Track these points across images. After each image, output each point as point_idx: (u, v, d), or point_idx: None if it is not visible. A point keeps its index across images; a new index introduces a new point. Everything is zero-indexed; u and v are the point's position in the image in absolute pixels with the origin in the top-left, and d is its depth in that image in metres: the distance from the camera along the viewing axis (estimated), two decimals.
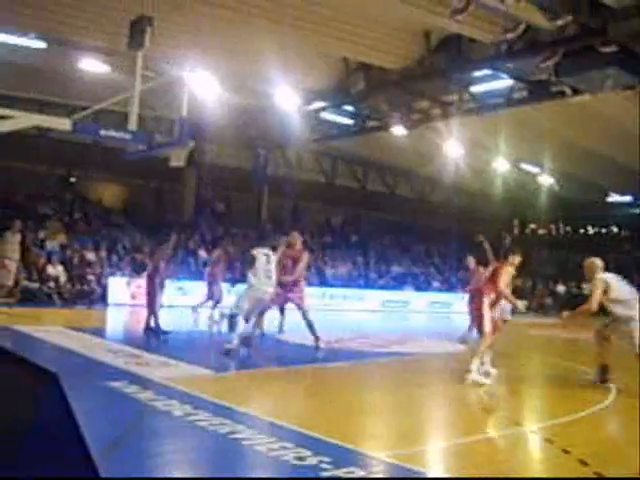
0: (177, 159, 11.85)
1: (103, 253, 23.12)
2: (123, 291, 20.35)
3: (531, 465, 5.47)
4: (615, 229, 46.20)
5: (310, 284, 21.34)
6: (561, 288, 36.23)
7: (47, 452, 1.40)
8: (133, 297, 20.25)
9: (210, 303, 15.72)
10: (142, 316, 13.17)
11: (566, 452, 5.47)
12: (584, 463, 5.13)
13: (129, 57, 11.91)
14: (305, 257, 12.09)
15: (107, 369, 8.56)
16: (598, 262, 9.71)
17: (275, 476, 4.85)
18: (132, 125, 11.00)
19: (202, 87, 19.62)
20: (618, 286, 9.34)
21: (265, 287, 10.77)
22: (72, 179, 28.64)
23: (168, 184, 30.26)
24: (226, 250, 17.41)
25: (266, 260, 10.80)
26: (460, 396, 8.64)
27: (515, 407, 8.12)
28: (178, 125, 11.21)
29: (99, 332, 13.38)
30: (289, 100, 22.10)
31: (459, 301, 30.83)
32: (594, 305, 9.04)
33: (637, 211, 43.91)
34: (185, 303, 21.08)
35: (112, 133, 11.40)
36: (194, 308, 15.76)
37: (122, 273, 22.07)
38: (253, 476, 4.88)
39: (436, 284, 33.03)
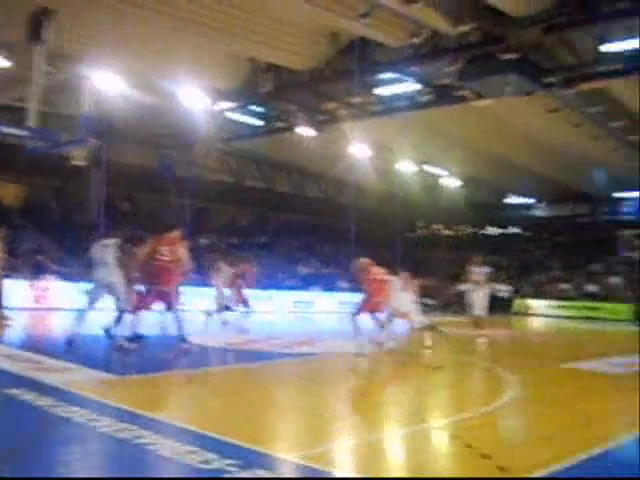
0: (79, 157, 11.54)
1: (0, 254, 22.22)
2: (24, 294, 19.62)
3: (437, 460, 5.57)
4: (515, 229, 47.75)
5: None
6: (463, 287, 37.14)
7: None
8: (36, 301, 19.58)
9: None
10: (45, 320, 12.69)
11: (469, 447, 5.60)
12: (486, 457, 5.27)
13: (30, 52, 11.51)
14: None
15: (4, 376, 8.21)
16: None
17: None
18: (32, 122, 10.64)
19: (107, 84, 19.17)
20: None
21: None
22: None
23: (71, 183, 29.39)
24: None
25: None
26: (366, 394, 8.74)
27: (422, 404, 8.26)
28: (80, 123, 10.92)
29: None
30: (196, 99, 21.85)
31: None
32: None
33: (534, 212, 45.58)
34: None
35: (11, 130, 11.00)
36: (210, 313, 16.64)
37: (23, 275, 21.29)
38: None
39: (344, 284, 33.32)
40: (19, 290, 19.86)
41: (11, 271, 21.59)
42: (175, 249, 10.96)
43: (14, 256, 22.76)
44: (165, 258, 10.83)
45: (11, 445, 5.12)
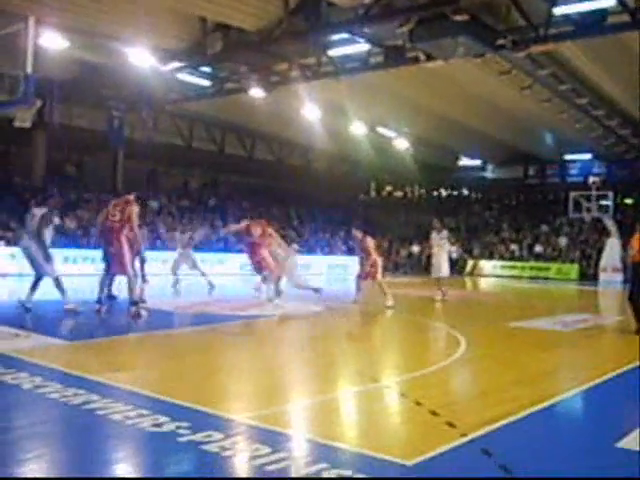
0: (22, 119, 11.20)
1: None
2: None
3: (387, 419, 5.63)
4: (466, 191, 48.24)
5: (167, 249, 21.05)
6: (415, 249, 37.57)
7: None
8: None
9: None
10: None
11: (419, 404, 5.69)
12: (435, 414, 5.36)
13: None
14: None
15: None
16: None
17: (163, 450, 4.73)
18: None
19: (50, 43, 18.63)
20: None
21: None
22: None
23: (15, 147, 28.66)
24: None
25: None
26: (317, 354, 8.79)
27: (370, 363, 8.33)
28: (23, 83, 10.56)
29: None
30: (144, 59, 21.34)
31: (317, 262, 31.46)
32: None
33: (485, 174, 46.05)
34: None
35: None
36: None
37: None
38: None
39: (295, 247, 33.29)
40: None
41: None
42: (125, 209, 10.98)
43: None
44: (115, 219, 10.85)
45: None
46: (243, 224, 14.81)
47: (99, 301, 11.22)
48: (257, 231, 14.14)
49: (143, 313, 11.00)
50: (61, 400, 5.45)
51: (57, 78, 22.45)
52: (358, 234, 15.34)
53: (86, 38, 20.53)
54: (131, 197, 11.27)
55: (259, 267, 14.23)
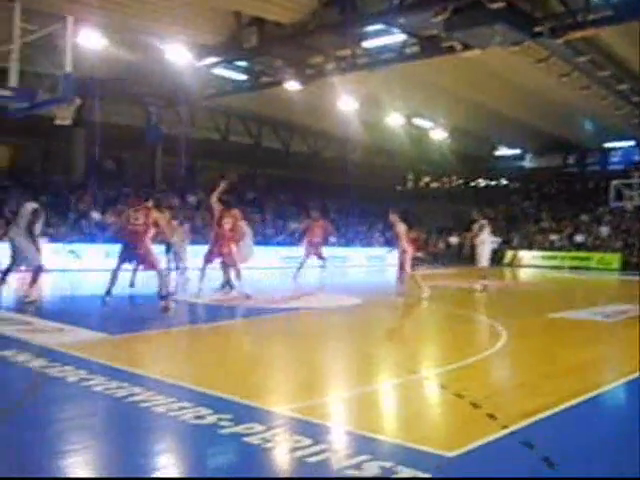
0: (63, 117, 11.37)
1: None
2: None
3: (427, 411, 5.63)
4: (504, 181, 47.76)
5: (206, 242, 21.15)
6: (454, 239, 37.33)
7: None
8: None
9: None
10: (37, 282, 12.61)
11: (459, 396, 5.67)
12: (476, 406, 5.34)
13: (8, 9, 11.25)
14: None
15: None
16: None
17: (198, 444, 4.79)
18: (13, 81, 10.48)
19: (89, 41, 18.85)
20: None
21: None
22: None
23: (56, 143, 29.07)
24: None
25: None
26: (356, 346, 8.80)
27: (409, 355, 8.32)
28: (63, 81, 10.73)
29: None
30: (180, 55, 21.50)
31: (355, 255, 31.43)
32: None
33: (523, 164, 45.54)
34: (79, 267, 20.51)
35: None
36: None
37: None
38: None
39: (332, 239, 33.32)
40: (6, 252, 19.72)
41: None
42: (148, 214, 11.30)
43: (1, 218, 22.67)
44: (138, 222, 11.18)
45: (4, 405, 5.14)
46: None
47: (108, 293, 11.34)
48: (228, 223, 13.89)
49: (172, 306, 11.15)
50: (106, 393, 5.54)
51: (95, 76, 22.71)
52: (393, 218, 14.97)
53: (123, 36, 20.75)
54: (149, 204, 11.57)
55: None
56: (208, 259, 13.86)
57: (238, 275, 13.82)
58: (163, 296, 11.11)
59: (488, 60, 21.65)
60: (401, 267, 14.54)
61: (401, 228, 14.46)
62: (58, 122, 11.45)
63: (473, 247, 17.99)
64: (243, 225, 14.63)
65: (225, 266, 14.35)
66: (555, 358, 7.98)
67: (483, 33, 17.14)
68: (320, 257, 18.79)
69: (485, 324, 11.41)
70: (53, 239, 21.58)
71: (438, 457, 4.19)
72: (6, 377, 6.29)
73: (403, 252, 14.43)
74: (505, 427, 4.78)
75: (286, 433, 4.64)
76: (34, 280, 12.04)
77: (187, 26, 19.90)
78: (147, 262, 11.32)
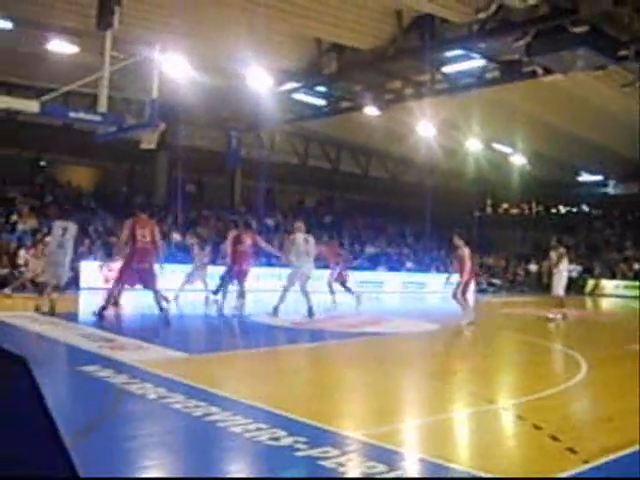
0: (148, 141, 11.75)
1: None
2: (95, 275, 20.13)
3: (503, 442, 5.53)
4: (586, 208, 46.60)
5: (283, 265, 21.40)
6: (533, 267, 36.57)
7: (16, 438, 1.39)
8: (106, 281, 20.04)
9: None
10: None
11: (538, 428, 5.54)
12: (556, 439, 5.21)
13: (98, 38, 11.73)
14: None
15: (80, 353, 8.50)
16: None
17: (258, 460, 4.85)
18: (102, 107, 10.89)
19: (173, 68, 19.42)
20: None
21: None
22: (42, 162, 28.30)
23: (139, 166, 30.00)
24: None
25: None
26: (433, 374, 8.72)
27: (487, 384, 8.19)
28: (149, 107, 11.10)
29: (71, 317, 13.25)
30: (261, 81, 21.93)
31: (432, 281, 31.10)
32: None
33: (607, 190, 44.35)
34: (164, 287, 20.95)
35: (82, 115, 11.28)
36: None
37: (94, 257, 21.87)
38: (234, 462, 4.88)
39: (409, 264, 33.15)
40: (91, 271, 20.39)
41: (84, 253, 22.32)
42: (152, 230, 11.92)
43: (86, 238, 23.45)
44: (146, 239, 11.74)
45: (88, 421, 5.31)
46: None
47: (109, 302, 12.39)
48: (248, 240, 14.83)
49: (169, 319, 11.74)
50: (184, 411, 5.65)
51: (179, 101, 23.35)
52: (459, 242, 14.89)
53: (206, 62, 21.29)
54: (150, 220, 12.48)
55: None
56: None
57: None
58: (161, 309, 11.83)
59: (570, 84, 21.26)
60: (463, 292, 14.44)
61: (465, 252, 14.41)
62: (144, 146, 11.83)
63: (550, 275, 17.63)
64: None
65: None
66: (636, 391, 7.71)
67: (566, 57, 16.85)
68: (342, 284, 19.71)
69: (563, 354, 11.13)
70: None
71: None
72: (91, 392, 6.49)
73: (464, 276, 14.33)
74: (586, 462, 4.65)
75: (360, 458, 4.63)
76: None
77: (269, 52, 20.29)
78: (150, 279, 11.94)
